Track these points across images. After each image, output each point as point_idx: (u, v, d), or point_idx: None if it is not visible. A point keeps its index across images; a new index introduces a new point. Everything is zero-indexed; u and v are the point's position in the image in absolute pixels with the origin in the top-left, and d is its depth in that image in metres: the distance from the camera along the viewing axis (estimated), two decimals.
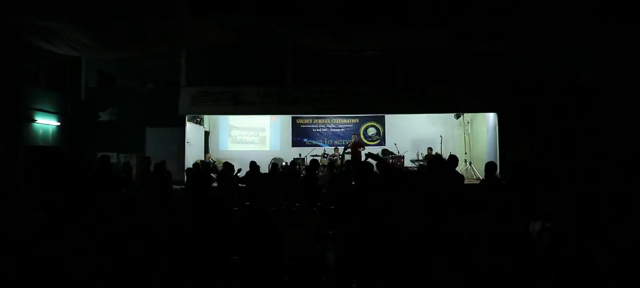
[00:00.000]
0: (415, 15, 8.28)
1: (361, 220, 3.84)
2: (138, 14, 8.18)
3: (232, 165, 9.36)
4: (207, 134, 15.14)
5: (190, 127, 13.34)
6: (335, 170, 9.88)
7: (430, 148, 13.84)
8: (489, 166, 6.35)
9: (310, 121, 15.57)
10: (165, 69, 13.88)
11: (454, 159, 6.39)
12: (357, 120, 15.49)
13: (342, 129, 15.55)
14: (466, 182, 9.70)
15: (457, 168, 6.92)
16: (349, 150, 13.48)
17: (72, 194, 4.54)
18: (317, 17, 8.43)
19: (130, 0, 7.66)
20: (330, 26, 9.05)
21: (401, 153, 13.53)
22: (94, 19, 8.31)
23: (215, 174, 10.88)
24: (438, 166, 3.67)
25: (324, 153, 13.84)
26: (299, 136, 15.62)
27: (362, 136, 15.40)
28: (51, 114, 11.31)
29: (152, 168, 9.51)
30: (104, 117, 12.67)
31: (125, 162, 10.49)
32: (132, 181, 10.12)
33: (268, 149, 15.35)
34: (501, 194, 5.26)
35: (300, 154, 13.97)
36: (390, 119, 15.30)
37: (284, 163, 12.53)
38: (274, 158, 13.04)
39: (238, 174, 9.44)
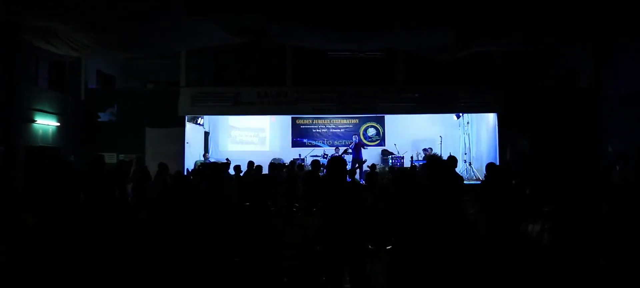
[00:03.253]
0: (415, 15, 8.28)
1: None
2: (138, 15, 8.18)
3: (224, 164, 9.37)
4: (207, 134, 15.14)
5: (190, 128, 13.33)
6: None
7: (430, 149, 13.87)
8: (490, 167, 6.36)
9: (310, 121, 15.57)
10: (165, 69, 13.88)
11: (452, 160, 6.40)
12: (357, 120, 15.48)
13: (342, 129, 15.55)
14: (466, 182, 9.71)
15: (456, 169, 6.93)
16: (351, 150, 13.50)
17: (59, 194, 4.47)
18: (317, 17, 8.44)
19: (129, 1, 7.66)
20: (330, 27, 9.05)
21: (401, 154, 13.54)
22: (94, 20, 8.31)
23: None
24: (437, 167, 3.66)
25: (324, 154, 13.85)
26: (299, 136, 15.61)
27: (362, 136, 15.39)
28: (51, 114, 11.29)
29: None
30: (104, 117, 12.65)
31: (126, 160, 10.43)
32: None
33: (268, 150, 15.35)
34: (503, 194, 5.25)
35: (300, 155, 13.98)
36: (390, 119, 15.29)
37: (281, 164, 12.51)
38: (274, 159, 13.04)
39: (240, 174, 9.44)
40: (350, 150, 13.53)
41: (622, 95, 11.17)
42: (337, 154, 13.44)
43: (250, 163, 9.51)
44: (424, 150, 13.88)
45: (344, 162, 4.41)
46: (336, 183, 4.08)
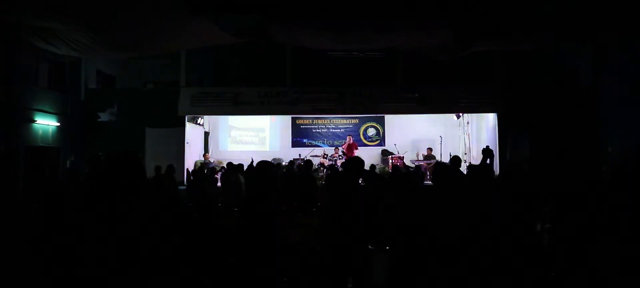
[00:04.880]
0: (415, 15, 8.28)
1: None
2: (138, 15, 8.18)
3: (235, 165, 9.36)
4: (206, 134, 15.14)
5: (190, 128, 13.33)
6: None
7: (429, 149, 13.88)
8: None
9: (310, 121, 15.57)
10: (165, 69, 13.88)
11: (456, 160, 6.41)
12: (357, 120, 15.49)
13: (341, 130, 15.54)
14: None
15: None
16: (345, 150, 13.52)
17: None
18: (317, 17, 8.43)
19: (129, 0, 7.65)
20: (331, 27, 9.05)
21: (401, 154, 13.54)
22: (94, 20, 8.30)
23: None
24: (443, 174, 3.67)
25: (324, 154, 13.85)
26: (299, 136, 15.62)
27: (362, 136, 15.40)
28: (51, 114, 11.28)
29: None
30: (104, 117, 12.65)
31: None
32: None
33: (268, 149, 15.35)
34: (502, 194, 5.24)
35: (300, 154, 13.97)
36: (390, 119, 15.29)
37: (283, 164, 12.51)
38: (274, 159, 13.03)
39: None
40: (341, 152, 13.46)
41: (622, 95, 11.17)
42: (337, 155, 13.44)
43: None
44: (429, 149, 13.89)
45: (361, 163, 4.43)
46: (346, 183, 4.07)
